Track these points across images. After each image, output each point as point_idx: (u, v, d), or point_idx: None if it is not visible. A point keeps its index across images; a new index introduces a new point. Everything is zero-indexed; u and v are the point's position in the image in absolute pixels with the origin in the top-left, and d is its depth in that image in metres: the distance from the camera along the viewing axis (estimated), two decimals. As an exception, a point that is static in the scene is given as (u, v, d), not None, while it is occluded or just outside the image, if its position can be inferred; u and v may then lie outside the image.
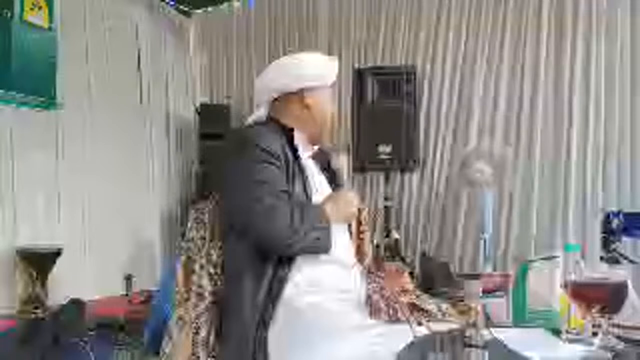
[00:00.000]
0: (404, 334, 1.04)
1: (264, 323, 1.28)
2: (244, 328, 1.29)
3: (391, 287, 1.39)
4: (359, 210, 1.58)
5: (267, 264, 1.32)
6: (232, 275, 1.38)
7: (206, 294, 1.39)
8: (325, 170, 1.58)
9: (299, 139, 1.49)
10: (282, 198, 1.32)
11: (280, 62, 1.53)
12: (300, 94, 1.50)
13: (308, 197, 1.41)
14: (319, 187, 1.49)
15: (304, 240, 1.30)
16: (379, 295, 1.38)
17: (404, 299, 1.36)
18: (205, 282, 1.40)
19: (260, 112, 1.54)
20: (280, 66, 1.52)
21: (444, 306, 1.39)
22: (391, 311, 1.34)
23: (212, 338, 1.37)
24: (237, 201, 1.35)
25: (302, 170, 1.43)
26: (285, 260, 1.33)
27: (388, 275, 1.49)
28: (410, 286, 1.46)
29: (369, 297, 1.39)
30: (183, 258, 1.47)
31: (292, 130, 1.47)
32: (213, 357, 1.36)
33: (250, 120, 1.56)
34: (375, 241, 3.78)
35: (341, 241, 1.44)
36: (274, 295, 1.30)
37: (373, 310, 1.34)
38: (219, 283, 1.42)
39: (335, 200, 1.43)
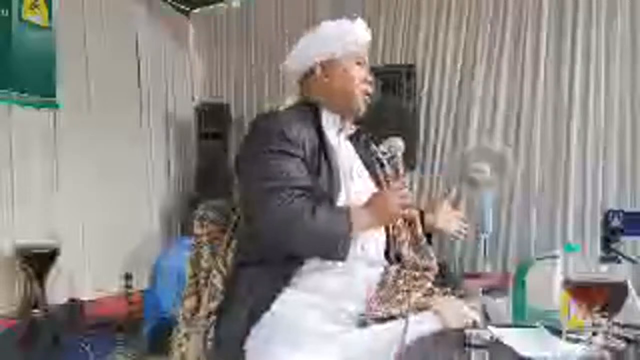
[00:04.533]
0: None
1: (251, 322, 1.24)
2: (233, 324, 1.27)
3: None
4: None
5: (273, 263, 1.27)
6: (236, 268, 1.35)
7: (217, 293, 1.35)
8: (363, 153, 1.51)
9: (329, 118, 1.45)
10: (294, 194, 1.24)
11: (300, 40, 1.50)
12: (317, 68, 1.46)
13: (333, 187, 1.31)
14: (355, 173, 1.41)
15: (307, 243, 1.24)
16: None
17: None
18: (217, 280, 1.36)
19: (293, 95, 1.51)
20: (298, 46, 1.49)
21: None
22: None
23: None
24: (250, 192, 1.31)
25: (329, 157, 1.34)
26: (295, 263, 1.27)
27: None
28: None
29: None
30: (191, 254, 1.45)
31: (318, 109, 1.42)
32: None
33: (288, 102, 1.49)
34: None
35: (374, 244, 1.38)
36: (267, 296, 1.25)
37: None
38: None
39: (377, 201, 1.33)
